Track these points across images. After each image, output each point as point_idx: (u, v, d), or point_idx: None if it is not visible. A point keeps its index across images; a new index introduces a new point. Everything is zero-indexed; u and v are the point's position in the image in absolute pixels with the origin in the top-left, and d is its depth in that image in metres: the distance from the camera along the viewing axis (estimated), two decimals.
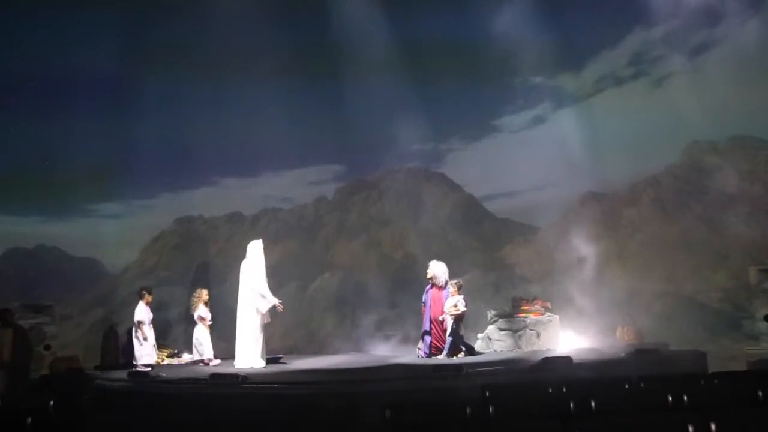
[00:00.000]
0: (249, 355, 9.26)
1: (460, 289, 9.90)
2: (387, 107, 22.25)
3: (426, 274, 10.39)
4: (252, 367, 9.10)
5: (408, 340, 13.69)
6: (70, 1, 22.76)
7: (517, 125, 26.52)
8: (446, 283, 10.15)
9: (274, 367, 9.46)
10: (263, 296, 9.43)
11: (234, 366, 9.25)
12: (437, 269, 10.26)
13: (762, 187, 21.27)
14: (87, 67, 22.15)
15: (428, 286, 10.31)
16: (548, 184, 23.44)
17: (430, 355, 9.95)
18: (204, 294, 10.55)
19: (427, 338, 10.03)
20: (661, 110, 22.57)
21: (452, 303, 9.80)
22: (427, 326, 10.10)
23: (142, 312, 9.84)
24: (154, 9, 22.39)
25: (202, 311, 10.41)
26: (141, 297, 10.06)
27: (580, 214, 22.89)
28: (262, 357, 9.36)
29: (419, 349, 10.25)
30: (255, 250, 9.80)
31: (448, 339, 9.72)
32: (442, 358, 9.57)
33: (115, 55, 22.16)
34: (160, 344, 12.55)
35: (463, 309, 9.76)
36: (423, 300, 10.29)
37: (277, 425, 6.19)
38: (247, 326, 9.38)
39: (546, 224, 23.85)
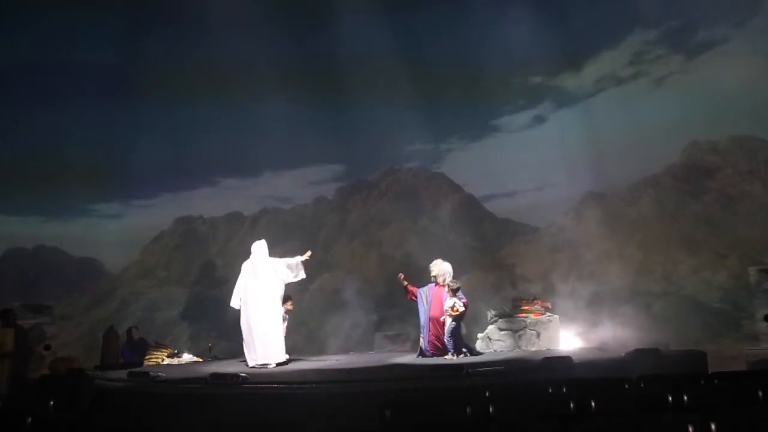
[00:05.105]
0: (279, 350, 9.33)
1: (455, 292, 9.84)
2: (387, 107, 22.30)
3: (430, 271, 10.37)
4: (278, 362, 9.17)
5: (408, 340, 13.70)
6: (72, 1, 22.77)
7: (517, 125, 26.53)
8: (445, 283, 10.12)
9: (274, 367, 9.45)
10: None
11: (268, 362, 9.23)
12: (441, 268, 10.23)
13: (762, 187, 21.28)
14: (86, 66, 22.18)
15: (430, 285, 10.29)
16: (548, 184, 23.48)
17: (431, 353, 9.94)
18: None
19: (427, 336, 10.02)
20: (661, 110, 22.57)
21: (450, 304, 9.78)
22: (423, 324, 10.11)
23: None
24: (155, 12, 22.43)
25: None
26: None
27: (580, 214, 22.93)
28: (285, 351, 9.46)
29: (420, 347, 10.23)
30: (260, 250, 9.78)
31: (449, 340, 9.71)
32: (449, 358, 9.55)
33: (115, 54, 22.21)
34: (160, 344, 12.58)
35: (461, 309, 9.75)
36: (422, 296, 10.22)
37: (277, 425, 6.19)
38: (273, 321, 9.42)
39: (546, 224, 23.85)
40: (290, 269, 9.69)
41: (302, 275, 9.80)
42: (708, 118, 21.30)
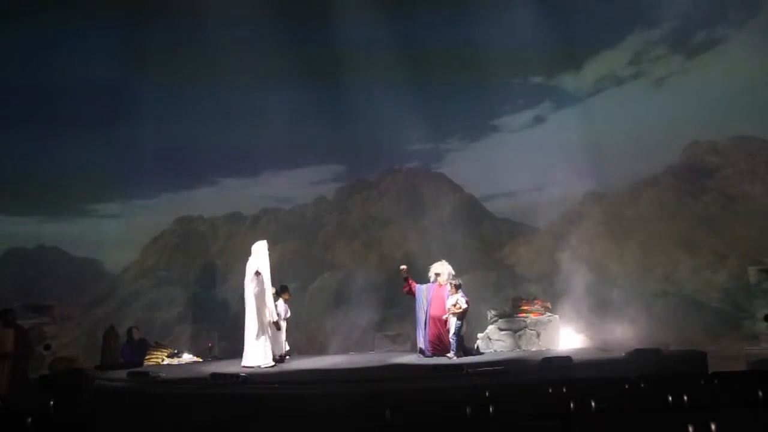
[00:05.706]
0: (256, 354, 9.25)
1: (458, 288, 9.88)
2: (387, 107, 22.28)
3: (432, 270, 10.41)
4: (259, 366, 9.10)
5: (408, 340, 13.70)
6: (70, 3, 22.76)
7: (517, 125, 26.53)
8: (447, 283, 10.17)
9: (275, 367, 9.45)
10: (268, 306, 9.54)
11: (246, 365, 9.18)
12: (444, 268, 10.29)
13: (762, 187, 21.28)
14: (87, 68, 22.15)
15: (431, 284, 10.33)
16: (548, 184, 23.41)
17: (431, 352, 9.96)
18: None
19: (427, 335, 10.05)
20: (661, 110, 22.58)
21: (452, 302, 9.81)
22: (423, 323, 10.13)
23: (282, 307, 10.42)
24: (154, 11, 22.41)
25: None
26: (281, 294, 10.44)
27: (580, 214, 22.92)
28: (268, 356, 9.33)
29: (420, 347, 10.25)
30: (260, 250, 9.76)
31: (454, 338, 9.72)
32: (450, 356, 9.56)
33: (115, 55, 22.19)
34: (160, 344, 12.59)
35: (464, 306, 9.77)
36: (423, 297, 10.24)
37: (278, 425, 6.19)
38: (249, 324, 9.38)
39: (546, 224, 23.83)
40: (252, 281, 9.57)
41: (255, 289, 9.55)
42: (708, 118, 21.31)
